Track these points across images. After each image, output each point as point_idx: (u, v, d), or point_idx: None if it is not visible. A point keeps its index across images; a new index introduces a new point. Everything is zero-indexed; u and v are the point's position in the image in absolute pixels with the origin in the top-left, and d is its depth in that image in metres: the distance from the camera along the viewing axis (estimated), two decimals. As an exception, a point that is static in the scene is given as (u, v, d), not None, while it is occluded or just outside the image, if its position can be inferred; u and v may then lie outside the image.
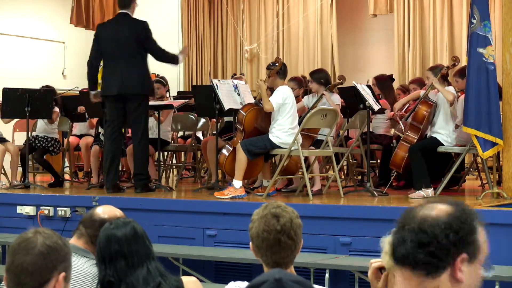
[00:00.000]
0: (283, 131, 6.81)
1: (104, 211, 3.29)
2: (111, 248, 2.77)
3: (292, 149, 6.69)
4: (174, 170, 10.56)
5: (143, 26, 7.41)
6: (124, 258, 2.74)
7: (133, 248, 2.77)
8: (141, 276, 2.69)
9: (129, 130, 7.93)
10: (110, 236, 2.79)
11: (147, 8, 11.37)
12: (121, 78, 7.24)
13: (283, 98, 6.82)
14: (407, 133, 7.05)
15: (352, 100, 7.48)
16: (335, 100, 7.63)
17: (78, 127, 9.30)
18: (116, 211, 3.30)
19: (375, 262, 2.11)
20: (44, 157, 8.71)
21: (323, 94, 7.57)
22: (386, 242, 2.34)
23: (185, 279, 2.75)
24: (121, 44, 7.32)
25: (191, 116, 9.12)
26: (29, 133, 8.32)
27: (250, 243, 2.67)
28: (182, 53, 7.93)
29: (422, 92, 7.25)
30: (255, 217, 2.67)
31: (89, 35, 13.07)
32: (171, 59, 7.61)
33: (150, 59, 7.50)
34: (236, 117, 7.20)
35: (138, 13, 7.70)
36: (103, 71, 7.52)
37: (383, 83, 8.40)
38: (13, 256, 2.11)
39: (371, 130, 7.48)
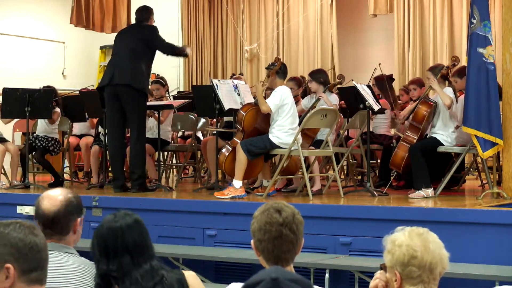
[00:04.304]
0: (283, 131, 6.80)
1: (48, 202, 3.21)
2: (116, 243, 2.67)
3: (292, 149, 6.69)
4: (174, 170, 10.56)
5: (150, 28, 7.59)
6: (129, 253, 2.65)
7: (138, 242, 2.69)
8: (145, 271, 2.65)
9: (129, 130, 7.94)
10: (115, 230, 2.69)
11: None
12: (113, 69, 7.42)
13: (281, 99, 6.81)
14: (407, 133, 7.04)
15: (352, 100, 7.47)
16: (332, 100, 7.63)
17: (78, 127, 9.30)
18: (58, 196, 3.19)
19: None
20: (44, 157, 8.71)
21: (320, 96, 7.56)
22: (388, 240, 2.40)
23: (185, 273, 2.77)
24: (124, 43, 7.54)
25: (191, 116, 9.12)
26: (29, 133, 8.32)
27: (252, 241, 2.68)
28: (187, 47, 8.06)
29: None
30: (257, 213, 2.71)
31: (89, 35, 13.10)
32: (179, 52, 7.86)
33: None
34: (236, 117, 7.20)
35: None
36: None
37: (382, 83, 8.40)
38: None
39: (371, 130, 7.47)
